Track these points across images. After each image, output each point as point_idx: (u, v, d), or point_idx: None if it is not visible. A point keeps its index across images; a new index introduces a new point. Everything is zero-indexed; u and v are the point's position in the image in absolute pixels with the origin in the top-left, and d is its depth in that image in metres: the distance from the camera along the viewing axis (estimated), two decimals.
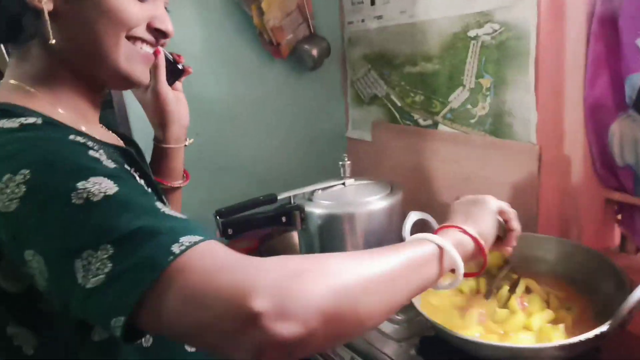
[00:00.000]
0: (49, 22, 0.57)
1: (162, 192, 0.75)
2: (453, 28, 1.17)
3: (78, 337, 0.56)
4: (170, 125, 0.82)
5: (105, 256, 0.44)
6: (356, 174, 1.16)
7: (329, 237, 1.06)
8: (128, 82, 0.64)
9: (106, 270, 0.44)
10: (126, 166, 0.62)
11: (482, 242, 0.67)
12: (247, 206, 1.03)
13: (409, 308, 0.94)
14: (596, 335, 0.67)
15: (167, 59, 0.79)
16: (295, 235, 1.46)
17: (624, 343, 0.81)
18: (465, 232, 0.66)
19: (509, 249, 0.79)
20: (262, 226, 1.05)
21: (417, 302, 0.84)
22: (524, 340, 0.78)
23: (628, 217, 1.03)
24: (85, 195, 0.47)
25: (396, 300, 0.53)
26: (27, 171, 0.48)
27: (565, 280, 0.90)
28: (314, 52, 1.51)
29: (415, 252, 0.57)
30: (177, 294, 0.43)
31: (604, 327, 0.67)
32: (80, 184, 0.47)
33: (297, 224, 1.07)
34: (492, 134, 1.13)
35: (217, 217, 1.00)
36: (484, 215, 0.71)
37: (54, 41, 0.58)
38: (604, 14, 0.94)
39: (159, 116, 0.81)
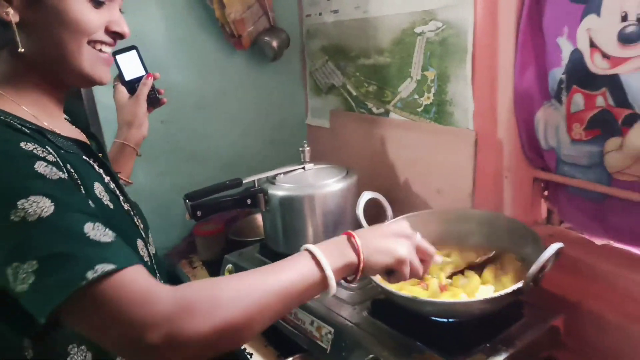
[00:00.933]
0: (17, 32, 0.64)
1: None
2: (402, 24, 1.28)
3: None
4: (136, 128, 1.01)
5: (30, 270, 0.53)
6: (316, 158, 1.26)
7: (291, 217, 1.16)
8: (91, 82, 0.72)
9: (30, 281, 0.53)
10: (84, 157, 0.71)
11: (363, 264, 0.70)
12: (215, 190, 1.12)
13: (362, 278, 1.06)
14: (514, 291, 0.80)
15: (152, 87, 1.02)
16: (259, 217, 1.56)
17: (541, 299, 0.95)
18: (358, 250, 0.70)
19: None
20: (229, 208, 1.14)
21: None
22: (487, 293, 0.89)
23: (553, 193, 1.18)
24: (22, 214, 0.54)
25: (275, 318, 0.62)
26: None
27: (496, 246, 1.03)
28: (274, 43, 1.59)
29: (301, 276, 0.64)
30: (84, 312, 0.54)
31: (519, 284, 0.80)
32: (20, 203, 0.54)
33: (261, 206, 1.17)
34: (436, 121, 1.25)
35: (187, 201, 1.09)
36: (383, 251, 0.72)
37: (22, 50, 0.65)
38: (530, 15, 1.07)
39: (130, 117, 1.00)
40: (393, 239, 0.74)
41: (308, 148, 1.21)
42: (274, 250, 1.22)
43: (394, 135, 1.39)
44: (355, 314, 0.97)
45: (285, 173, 1.19)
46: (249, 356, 1.09)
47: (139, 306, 0.53)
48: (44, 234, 0.54)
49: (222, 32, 1.55)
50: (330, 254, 0.68)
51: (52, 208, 0.55)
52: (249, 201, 1.15)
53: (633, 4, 0.88)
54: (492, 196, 1.18)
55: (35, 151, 0.59)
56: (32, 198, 0.55)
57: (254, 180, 1.16)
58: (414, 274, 0.76)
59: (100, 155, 0.77)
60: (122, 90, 1.00)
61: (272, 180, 1.18)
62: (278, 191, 1.15)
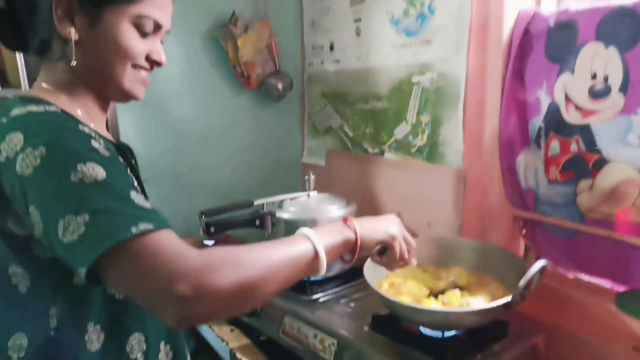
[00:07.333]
0: (74, 48, 0.74)
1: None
2: (400, 74, 1.44)
3: (62, 281, 0.70)
4: None
5: (82, 221, 0.60)
6: None
7: None
8: (128, 98, 0.83)
9: (80, 232, 0.59)
10: (120, 159, 0.79)
11: (360, 241, 0.83)
12: (228, 209, 1.21)
13: (363, 291, 1.15)
14: (504, 304, 0.90)
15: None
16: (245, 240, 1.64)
17: (523, 321, 1.06)
18: (355, 229, 0.84)
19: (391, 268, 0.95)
20: (239, 227, 1.22)
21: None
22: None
23: (530, 230, 1.31)
24: (80, 176, 0.62)
25: (281, 286, 0.71)
26: (44, 149, 0.63)
27: (483, 271, 1.14)
28: (280, 85, 1.73)
29: (299, 251, 0.74)
30: (124, 263, 0.60)
31: (508, 298, 0.90)
32: (79, 166, 0.62)
33: (268, 227, 1.25)
34: (428, 161, 1.39)
35: (202, 217, 1.17)
36: (377, 229, 0.88)
37: (74, 63, 0.75)
38: (514, 71, 1.24)
39: None
40: (385, 221, 0.92)
41: (313, 177, 1.32)
42: None
43: (388, 173, 1.52)
44: (357, 328, 1.05)
45: (291, 199, 1.29)
46: None
47: (171, 261, 0.60)
48: (98, 193, 0.62)
49: (233, 72, 1.69)
50: (325, 235, 0.78)
51: (104, 174, 0.63)
52: (257, 222, 1.23)
53: (601, 66, 1.05)
54: (478, 230, 1.30)
55: (89, 133, 0.69)
56: (89, 164, 0.63)
57: (263, 204, 1.25)
58: (402, 255, 0.91)
59: (133, 162, 0.86)
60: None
61: (279, 205, 1.28)
62: (284, 214, 1.24)
